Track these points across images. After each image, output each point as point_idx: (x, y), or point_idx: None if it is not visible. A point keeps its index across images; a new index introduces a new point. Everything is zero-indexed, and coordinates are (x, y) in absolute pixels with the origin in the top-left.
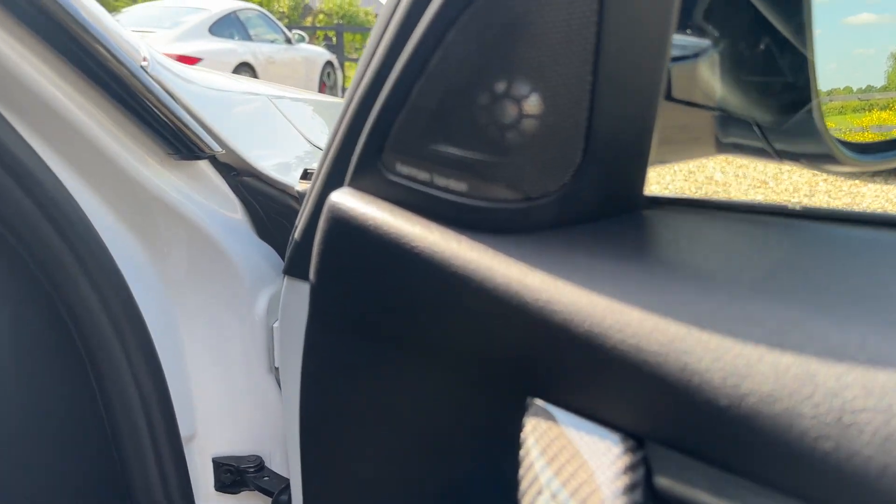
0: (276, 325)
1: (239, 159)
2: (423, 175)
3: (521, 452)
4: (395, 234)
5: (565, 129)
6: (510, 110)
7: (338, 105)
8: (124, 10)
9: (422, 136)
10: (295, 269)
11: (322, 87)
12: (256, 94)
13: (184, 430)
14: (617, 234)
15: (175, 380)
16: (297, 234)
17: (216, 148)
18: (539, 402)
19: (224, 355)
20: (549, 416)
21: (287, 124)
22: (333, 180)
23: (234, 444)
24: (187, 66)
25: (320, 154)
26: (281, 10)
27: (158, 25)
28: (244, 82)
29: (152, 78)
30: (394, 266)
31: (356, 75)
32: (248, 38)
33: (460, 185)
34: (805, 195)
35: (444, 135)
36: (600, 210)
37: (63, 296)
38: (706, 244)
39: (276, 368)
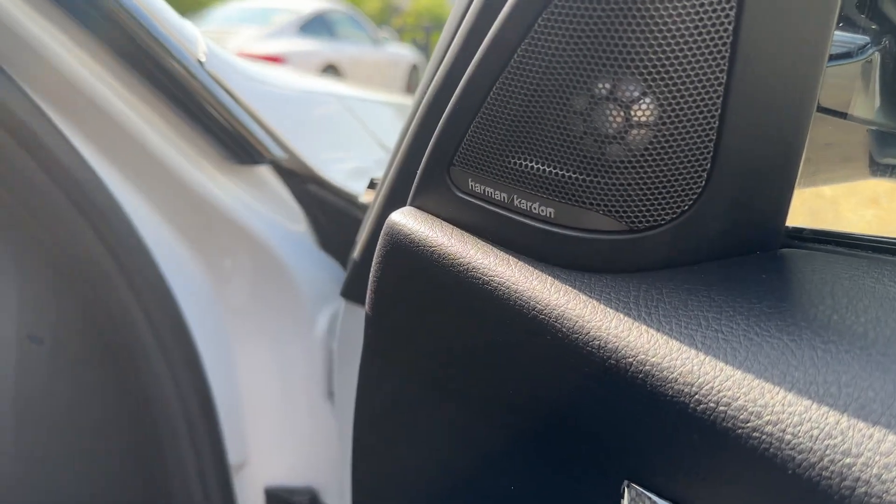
0: (336, 346)
1: (303, 165)
2: (499, 195)
3: None
4: (463, 265)
5: (686, 143)
6: (614, 117)
7: None
8: (211, 8)
9: (500, 147)
10: (353, 292)
11: (408, 89)
12: (327, 94)
13: (234, 457)
14: (749, 279)
15: (225, 402)
16: (356, 253)
17: (278, 153)
18: (639, 489)
19: (280, 377)
20: None
21: (359, 128)
22: (396, 197)
23: (288, 474)
24: (263, 64)
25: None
26: (369, 12)
27: (246, 25)
28: (315, 81)
29: (209, 74)
30: (460, 302)
31: (425, 77)
32: (335, 38)
33: (546, 210)
34: None
35: (527, 147)
36: (727, 247)
37: (103, 305)
38: (871, 300)
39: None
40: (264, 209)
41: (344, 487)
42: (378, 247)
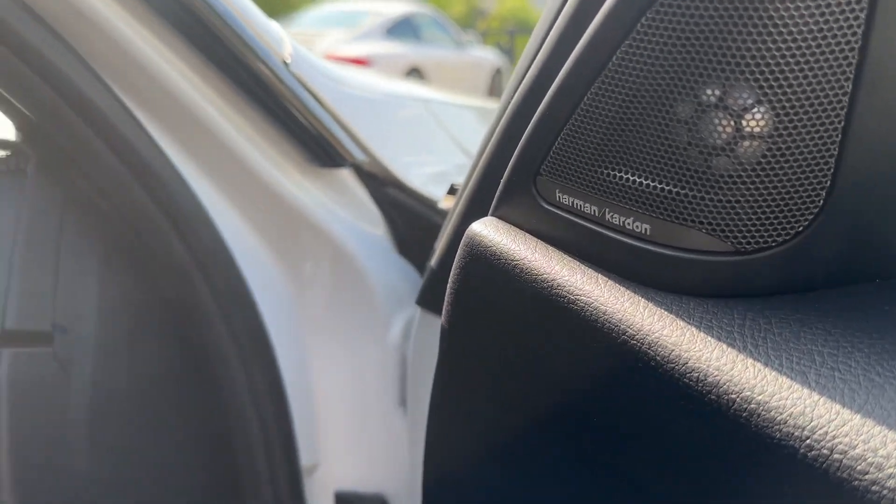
0: (410, 355)
1: (383, 169)
2: (590, 208)
3: None
4: (547, 281)
5: (804, 157)
6: (723, 127)
7: None
8: (301, 11)
9: (593, 157)
10: (429, 301)
11: (491, 93)
12: (410, 97)
13: (305, 460)
14: (870, 311)
15: (298, 404)
16: (433, 262)
17: (359, 156)
18: None
19: (354, 382)
20: None
21: (442, 132)
22: (477, 206)
23: (359, 479)
24: (349, 66)
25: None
26: (454, 15)
27: (335, 27)
28: (398, 84)
29: (294, 76)
30: (543, 320)
31: (511, 82)
32: (420, 41)
33: (641, 226)
34: None
35: (623, 157)
36: (845, 273)
37: (182, 304)
38: None
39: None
40: (344, 213)
41: (413, 496)
42: (457, 257)
